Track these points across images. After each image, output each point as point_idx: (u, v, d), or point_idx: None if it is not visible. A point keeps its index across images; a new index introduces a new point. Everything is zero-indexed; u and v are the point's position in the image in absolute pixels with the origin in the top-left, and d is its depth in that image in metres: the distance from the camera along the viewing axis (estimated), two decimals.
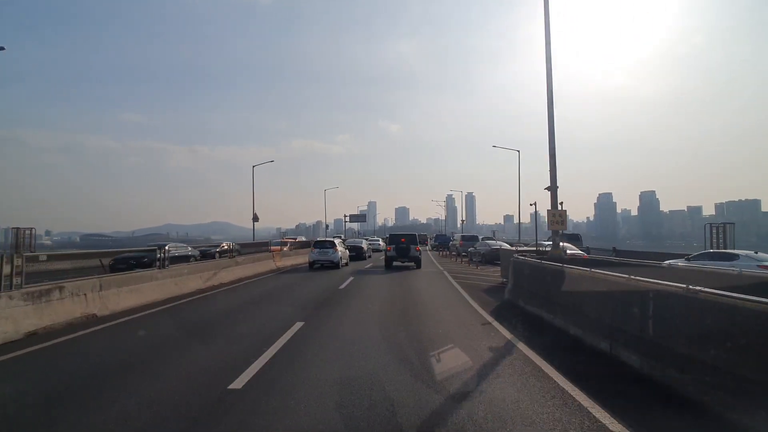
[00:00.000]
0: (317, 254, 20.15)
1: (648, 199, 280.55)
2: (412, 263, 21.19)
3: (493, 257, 21.10)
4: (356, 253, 27.47)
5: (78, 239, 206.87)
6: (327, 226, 68.76)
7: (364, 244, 30.90)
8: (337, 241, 21.93)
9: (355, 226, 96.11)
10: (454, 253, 34.57)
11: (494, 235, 43.60)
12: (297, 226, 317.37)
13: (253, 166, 39.04)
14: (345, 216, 67.63)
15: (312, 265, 20.16)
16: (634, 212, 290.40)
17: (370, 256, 31.08)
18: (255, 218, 36.30)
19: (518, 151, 37.74)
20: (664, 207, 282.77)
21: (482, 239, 36.13)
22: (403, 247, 20.93)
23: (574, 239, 24.53)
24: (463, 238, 34.82)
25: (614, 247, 21.24)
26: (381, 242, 46.05)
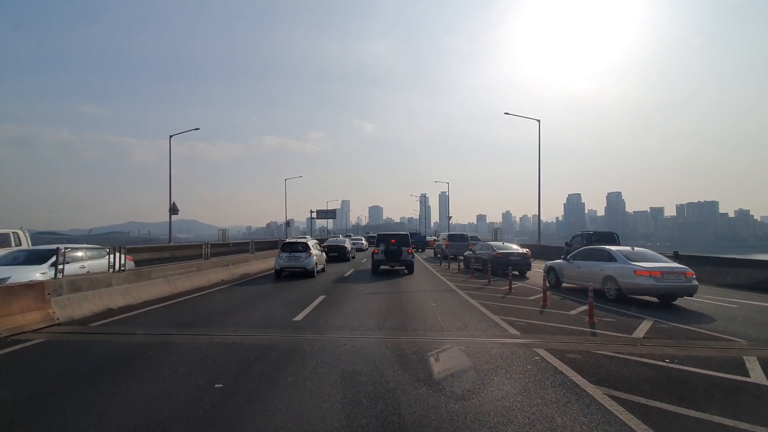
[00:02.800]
0: (286, 259, 16.37)
1: (615, 200, 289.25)
2: (404, 268, 18.29)
3: (509, 266, 16.48)
4: (338, 254, 25.04)
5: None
6: (288, 223, 59.36)
7: (348, 244, 27.61)
8: (311, 242, 18.09)
9: (325, 223, 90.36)
10: (439, 255, 31.24)
11: (496, 234, 35.40)
12: (268, 225, 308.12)
13: (170, 136, 30.88)
14: (311, 212, 60.92)
15: (279, 273, 16.46)
16: (600, 212, 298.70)
17: (353, 257, 28.17)
18: (173, 209, 28.48)
19: (538, 121, 31.23)
20: (629, 208, 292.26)
21: (471, 238, 32.19)
22: (394, 249, 17.88)
23: (609, 239, 20.25)
24: (451, 237, 30.14)
25: (676, 252, 15.72)
26: (364, 241, 43.77)
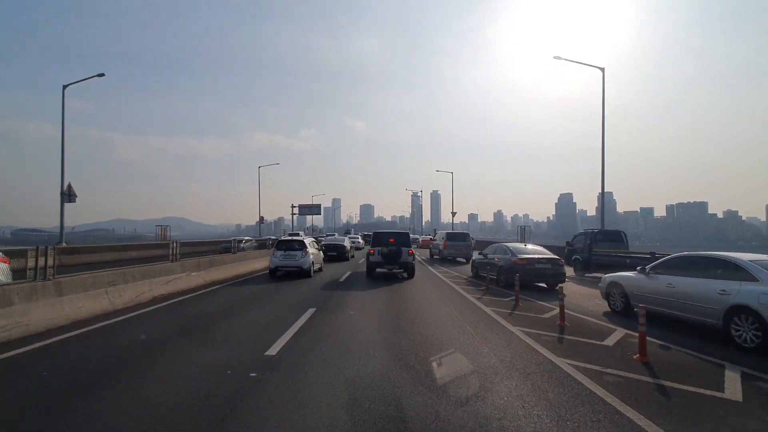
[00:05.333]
0: (281, 258, 15.70)
1: (606, 200, 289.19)
2: (402, 270, 15.83)
3: (536, 277, 12.99)
4: (337, 253, 24.56)
5: (9, 235, 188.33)
6: (262, 219, 52.07)
7: (347, 242, 26.99)
8: (308, 240, 17.36)
9: (310, 219, 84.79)
10: (436, 257, 28.32)
11: (524, 234, 29.17)
12: (257, 223, 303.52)
13: (64, 87, 22.73)
14: (293, 206, 54.32)
15: (274, 273, 15.75)
16: (591, 212, 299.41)
17: (353, 256, 27.20)
18: (67, 195, 21.39)
19: (602, 69, 24.38)
20: (620, 208, 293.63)
21: (470, 236, 28.32)
22: (393, 250, 15.36)
23: (616, 239, 17.99)
24: (450, 236, 26.72)
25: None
26: (360, 239, 43.05)
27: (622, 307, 8.92)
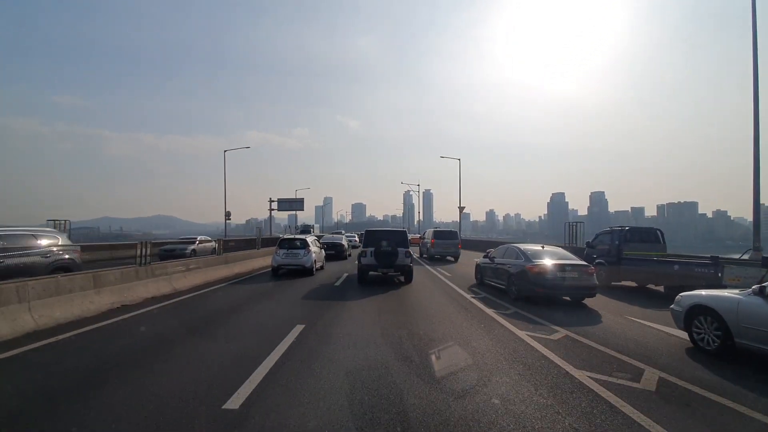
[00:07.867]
0: (283, 257, 15.88)
1: (598, 199, 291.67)
2: (399, 274, 13.99)
3: (561, 291, 10.17)
4: (335, 252, 24.76)
5: None
6: (228, 215, 41.48)
7: (344, 241, 27.29)
8: (310, 239, 17.35)
9: (293, 216, 77.33)
10: (425, 255, 26.69)
11: (574, 232, 22.12)
12: (247, 222, 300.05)
13: None
14: (271, 201, 48.52)
15: (276, 271, 15.89)
16: (582, 212, 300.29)
17: (350, 255, 27.14)
18: None
19: None
20: (611, 208, 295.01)
21: (458, 234, 27.31)
22: (387, 251, 13.44)
23: (650, 240, 14.97)
24: (437, 234, 25.35)
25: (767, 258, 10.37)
26: (356, 238, 41.91)
27: (718, 345, 6.14)
